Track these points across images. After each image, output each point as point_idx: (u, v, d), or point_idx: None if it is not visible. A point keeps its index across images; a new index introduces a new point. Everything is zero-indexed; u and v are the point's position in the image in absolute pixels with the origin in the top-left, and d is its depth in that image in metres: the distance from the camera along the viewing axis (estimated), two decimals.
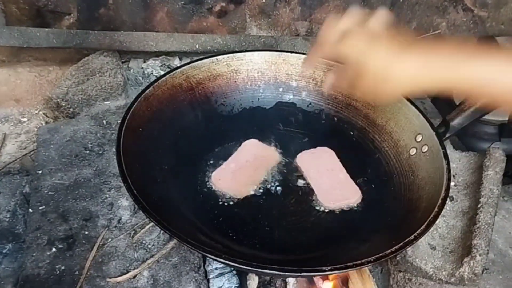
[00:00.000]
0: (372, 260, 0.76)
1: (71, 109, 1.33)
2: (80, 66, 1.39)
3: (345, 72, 0.77)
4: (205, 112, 1.14)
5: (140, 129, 0.98)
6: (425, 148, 0.98)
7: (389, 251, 0.78)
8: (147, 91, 1.03)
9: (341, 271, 0.75)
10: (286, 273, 0.76)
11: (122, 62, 1.52)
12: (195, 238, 0.79)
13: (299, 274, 0.78)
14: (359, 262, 0.75)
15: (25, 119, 1.46)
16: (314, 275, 0.90)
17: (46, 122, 1.44)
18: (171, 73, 1.09)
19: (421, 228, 0.81)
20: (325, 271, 0.74)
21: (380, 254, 0.77)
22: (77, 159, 1.14)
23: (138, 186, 0.85)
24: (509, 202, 1.15)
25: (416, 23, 1.72)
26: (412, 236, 0.80)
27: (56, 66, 1.52)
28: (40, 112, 1.48)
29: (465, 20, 1.72)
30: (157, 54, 1.53)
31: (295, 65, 1.19)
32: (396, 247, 0.78)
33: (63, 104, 1.32)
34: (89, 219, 1.01)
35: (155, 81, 1.05)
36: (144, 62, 1.54)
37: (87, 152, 1.16)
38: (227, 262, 0.74)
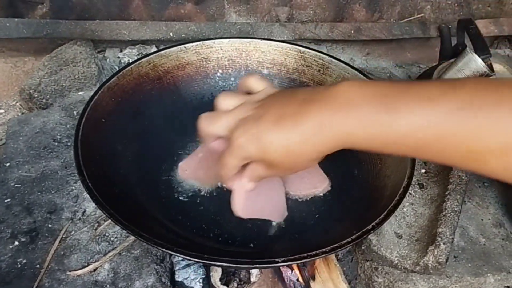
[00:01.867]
0: (327, 250, 0.75)
1: (44, 100, 1.31)
2: (53, 56, 1.38)
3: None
4: (174, 102, 1.12)
5: (103, 120, 0.97)
6: None
7: (345, 241, 0.76)
8: (110, 81, 1.01)
9: (294, 262, 0.74)
10: (239, 265, 0.75)
11: (98, 52, 1.50)
12: (150, 231, 0.78)
13: (251, 266, 0.77)
14: (313, 253, 0.74)
15: (1, 111, 1.45)
16: (267, 267, 0.89)
17: (23, 114, 1.43)
18: (137, 62, 1.07)
19: (380, 217, 0.80)
20: (278, 262, 0.73)
21: (336, 245, 0.76)
22: (46, 151, 1.13)
23: (96, 178, 0.84)
24: (482, 189, 1.13)
25: (400, 7, 1.69)
26: (370, 226, 0.79)
27: (32, 57, 1.50)
28: (17, 104, 1.47)
29: (450, 2, 1.69)
30: (133, 43, 1.51)
31: (266, 52, 1.17)
32: (353, 237, 0.77)
33: (36, 95, 1.31)
34: (53, 212, 1.00)
35: (119, 71, 1.04)
36: (121, 51, 1.52)
37: (56, 144, 1.15)
38: (177, 254, 0.73)
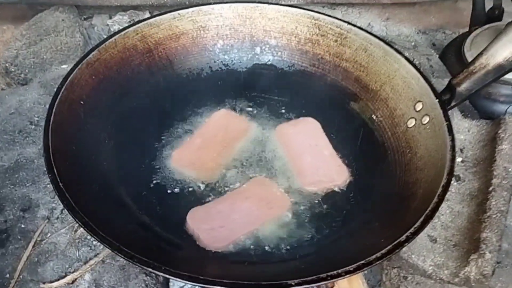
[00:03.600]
0: (351, 270, 0.61)
1: (22, 75, 1.16)
2: (32, 25, 1.22)
3: None
4: (166, 78, 0.97)
5: (82, 102, 0.83)
6: (425, 119, 0.82)
7: (374, 257, 0.63)
8: (90, 56, 0.86)
9: (312, 284, 0.60)
10: None
11: (84, 19, 1.34)
12: (132, 241, 0.65)
13: None
14: (335, 273, 0.60)
15: None
16: None
17: (2, 89, 1.28)
18: (122, 33, 0.92)
19: (415, 226, 0.65)
20: (291, 285, 0.59)
21: (362, 262, 0.62)
22: (21, 135, 0.99)
23: (71, 175, 0.70)
24: None
25: None
26: (404, 237, 0.64)
27: (10, 25, 1.34)
28: None
29: None
30: (124, 8, 1.34)
31: (274, 19, 1.01)
32: (383, 251, 0.63)
33: (13, 70, 1.16)
34: (27, 209, 0.87)
35: (101, 43, 0.89)
36: (110, 18, 1.35)
37: (33, 127, 1.00)
38: (167, 276, 0.59)
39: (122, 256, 0.60)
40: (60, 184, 0.66)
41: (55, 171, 0.68)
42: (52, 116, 0.75)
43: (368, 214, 0.79)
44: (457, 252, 0.79)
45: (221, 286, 0.58)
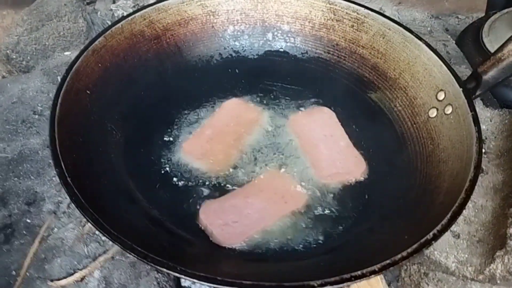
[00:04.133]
0: (376, 270, 0.58)
1: (24, 62, 1.13)
2: (33, 10, 1.17)
3: None
4: (175, 65, 0.94)
5: (88, 92, 0.79)
6: (448, 109, 0.78)
7: (399, 256, 0.60)
8: (96, 42, 0.83)
9: (335, 285, 0.57)
10: None
11: (87, 4, 1.29)
12: (145, 240, 0.62)
13: None
14: (359, 273, 0.57)
15: None
16: None
17: (3, 77, 1.24)
18: (129, 18, 0.88)
19: (442, 223, 0.62)
20: (314, 286, 0.56)
21: (387, 261, 0.59)
22: (24, 125, 0.95)
23: (78, 168, 0.67)
24: None
25: None
26: (431, 234, 0.61)
27: (10, 10, 1.29)
28: None
29: None
30: None
31: (287, 4, 0.97)
32: (409, 250, 0.60)
33: (14, 57, 1.12)
34: (32, 203, 0.83)
35: (107, 29, 0.85)
36: (114, 2, 1.31)
37: (36, 117, 0.97)
38: (183, 277, 0.56)
39: (135, 256, 0.57)
40: (68, 179, 0.63)
41: (63, 165, 0.64)
42: (58, 107, 0.71)
43: (388, 208, 0.76)
44: (481, 248, 0.76)
45: (240, 287, 0.55)
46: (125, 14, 1.28)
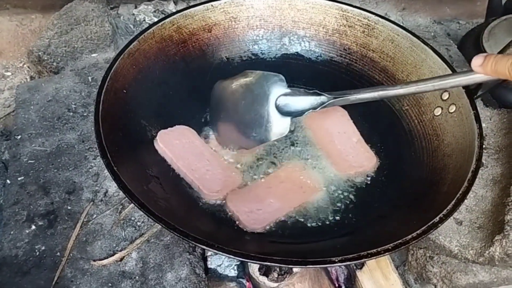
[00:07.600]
0: (390, 248, 0.65)
1: (55, 63, 1.20)
2: (63, 14, 1.25)
3: None
4: (200, 67, 1.00)
5: (124, 91, 0.86)
6: (452, 108, 0.86)
7: (410, 236, 0.67)
8: (131, 46, 0.89)
9: (353, 262, 0.65)
10: (291, 265, 0.66)
11: (111, 8, 1.37)
12: (189, 224, 0.69)
13: (304, 266, 0.67)
14: (374, 251, 0.65)
15: (8, 73, 1.34)
16: (322, 267, 0.79)
17: (32, 77, 1.31)
18: (159, 24, 0.94)
19: (448, 208, 0.70)
20: (334, 262, 0.64)
21: (399, 241, 0.66)
22: (60, 122, 1.03)
23: (122, 160, 0.75)
24: None
25: None
26: (437, 218, 0.69)
27: (39, 14, 1.37)
28: (25, 66, 1.35)
29: None
30: None
31: (303, 11, 1.03)
32: (418, 231, 0.68)
33: (45, 58, 1.19)
34: (72, 192, 0.91)
35: (140, 34, 0.92)
36: (136, 7, 1.39)
37: (71, 114, 1.04)
38: (220, 253, 0.64)
39: (177, 235, 0.64)
40: (114, 168, 0.71)
41: (109, 156, 0.72)
42: (101, 104, 0.79)
43: (398, 198, 0.84)
44: (481, 234, 0.83)
45: (271, 262, 0.63)
46: (146, 18, 1.37)
